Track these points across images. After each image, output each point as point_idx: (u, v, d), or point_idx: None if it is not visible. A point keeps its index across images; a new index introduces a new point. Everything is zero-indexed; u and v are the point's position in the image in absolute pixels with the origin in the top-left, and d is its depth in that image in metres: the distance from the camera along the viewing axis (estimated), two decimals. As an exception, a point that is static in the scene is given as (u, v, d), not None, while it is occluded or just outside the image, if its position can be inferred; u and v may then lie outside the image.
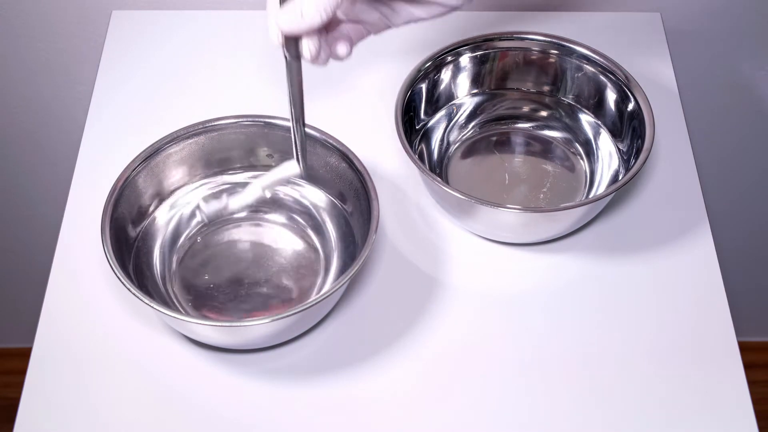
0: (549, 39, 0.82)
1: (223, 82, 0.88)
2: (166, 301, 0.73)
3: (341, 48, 0.65)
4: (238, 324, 0.66)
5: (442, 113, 0.84)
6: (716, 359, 0.72)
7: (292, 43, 0.62)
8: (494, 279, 0.77)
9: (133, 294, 0.67)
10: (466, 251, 0.78)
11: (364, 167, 0.74)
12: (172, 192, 0.78)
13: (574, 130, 0.84)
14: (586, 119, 0.83)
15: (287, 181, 0.76)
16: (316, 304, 0.67)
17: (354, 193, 0.75)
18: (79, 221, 0.79)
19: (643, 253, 0.78)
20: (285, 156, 0.70)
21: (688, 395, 0.70)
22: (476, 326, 0.74)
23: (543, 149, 0.84)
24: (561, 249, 0.78)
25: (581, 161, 0.83)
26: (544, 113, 0.85)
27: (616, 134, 0.81)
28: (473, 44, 0.82)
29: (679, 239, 0.78)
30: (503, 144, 0.84)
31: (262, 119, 0.77)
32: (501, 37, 0.82)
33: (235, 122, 0.77)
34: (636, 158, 0.75)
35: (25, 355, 0.73)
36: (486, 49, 0.83)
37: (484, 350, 0.72)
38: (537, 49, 0.83)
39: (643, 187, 0.81)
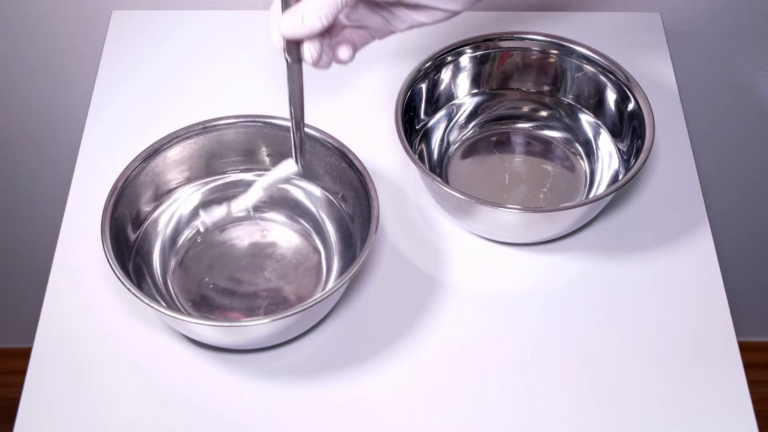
0: (549, 39, 0.82)
1: (223, 82, 0.88)
2: (166, 301, 0.73)
3: (343, 52, 0.65)
4: (238, 324, 0.66)
5: (442, 113, 0.84)
6: (716, 359, 0.72)
7: (293, 46, 0.62)
8: (494, 279, 0.77)
9: (133, 294, 0.67)
10: (466, 251, 0.78)
11: (364, 167, 0.74)
12: (172, 192, 0.78)
13: (574, 130, 0.84)
14: (586, 119, 0.83)
15: (286, 181, 0.76)
16: (316, 304, 0.67)
17: (354, 193, 0.75)
18: (79, 221, 0.78)
19: (643, 253, 0.78)
20: (285, 156, 0.70)
21: (688, 395, 0.70)
22: (476, 326, 0.74)
23: (543, 149, 0.84)
24: (561, 249, 0.78)
25: (581, 161, 0.83)
26: (544, 113, 0.85)
27: (616, 134, 0.81)
28: (473, 44, 0.82)
29: (679, 239, 0.78)
30: (503, 144, 0.84)
31: (262, 119, 0.77)
32: (501, 37, 0.82)
33: (235, 122, 0.77)
34: (636, 158, 0.75)
35: (25, 355, 0.73)
36: (486, 49, 0.83)
37: (484, 350, 0.72)
38: (537, 49, 0.83)
39: (643, 187, 0.81)
